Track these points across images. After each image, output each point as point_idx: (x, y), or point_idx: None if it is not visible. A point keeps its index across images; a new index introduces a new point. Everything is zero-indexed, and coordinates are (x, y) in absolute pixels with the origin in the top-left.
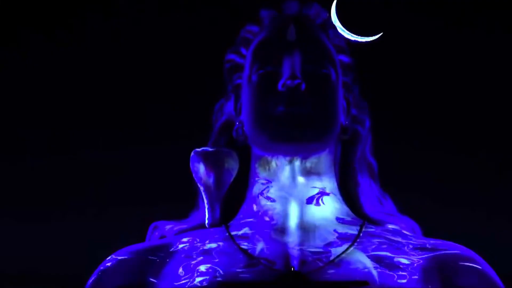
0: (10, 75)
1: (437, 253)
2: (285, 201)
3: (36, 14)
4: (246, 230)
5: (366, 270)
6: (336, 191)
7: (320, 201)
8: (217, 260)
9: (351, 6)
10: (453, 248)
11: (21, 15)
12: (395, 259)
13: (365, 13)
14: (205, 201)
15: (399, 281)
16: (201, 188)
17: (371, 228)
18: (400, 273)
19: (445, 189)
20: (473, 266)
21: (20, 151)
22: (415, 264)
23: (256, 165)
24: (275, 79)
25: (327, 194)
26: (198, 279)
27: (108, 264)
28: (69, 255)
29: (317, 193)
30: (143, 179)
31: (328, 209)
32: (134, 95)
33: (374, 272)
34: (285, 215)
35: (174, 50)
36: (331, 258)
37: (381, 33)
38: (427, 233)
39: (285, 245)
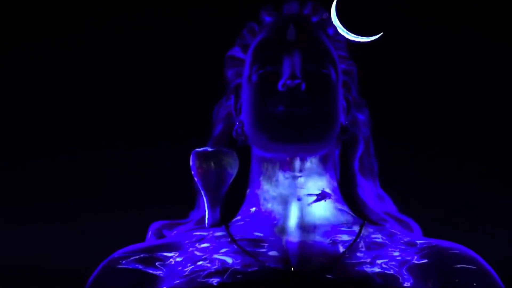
0: (11, 76)
1: (437, 253)
2: (285, 201)
3: (37, 15)
4: (246, 230)
5: (366, 270)
6: (336, 191)
7: (320, 201)
8: (217, 260)
9: (351, 6)
10: (453, 248)
11: (21, 16)
12: (395, 259)
13: (365, 13)
14: (205, 201)
15: (399, 280)
16: (201, 188)
17: (371, 228)
18: (400, 272)
19: (445, 189)
20: (473, 266)
21: (21, 152)
22: (415, 264)
23: (256, 165)
24: (275, 79)
25: (327, 194)
26: (197, 279)
27: (108, 264)
28: (69, 255)
29: (317, 193)
30: (143, 179)
31: (328, 209)
32: (134, 96)
33: (374, 272)
34: (285, 215)
35: (174, 51)
36: (332, 257)
37: (381, 33)
38: (427, 233)
39: (285, 245)
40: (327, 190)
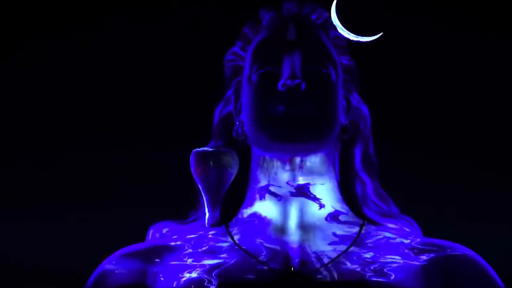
0: (11, 76)
1: (438, 253)
2: (285, 201)
3: (39, 17)
4: (246, 230)
5: (365, 270)
6: (336, 190)
7: (320, 201)
8: (216, 260)
9: (351, 6)
10: (454, 248)
11: (25, 18)
12: (395, 259)
13: (365, 13)
14: (205, 201)
15: (398, 280)
16: (201, 188)
17: (371, 228)
18: (400, 272)
19: (445, 189)
20: (474, 266)
21: (21, 151)
22: (415, 264)
23: (256, 165)
24: (275, 79)
25: (328, 194)
26: (198, 279)
27: (108, 264)
28: (69, 255)
29: (317, 193)
30: (143, 179)
31: (328, 209)
32: (134, 96)
33: (374, 273)
34: (285, 215)
35: (174, 51)
36: (331, 258)
37: (381, 33)
38: (427, 233)
39: (285, 245)
40: (327, 190)
